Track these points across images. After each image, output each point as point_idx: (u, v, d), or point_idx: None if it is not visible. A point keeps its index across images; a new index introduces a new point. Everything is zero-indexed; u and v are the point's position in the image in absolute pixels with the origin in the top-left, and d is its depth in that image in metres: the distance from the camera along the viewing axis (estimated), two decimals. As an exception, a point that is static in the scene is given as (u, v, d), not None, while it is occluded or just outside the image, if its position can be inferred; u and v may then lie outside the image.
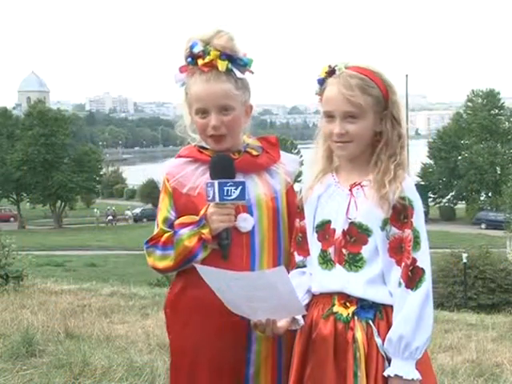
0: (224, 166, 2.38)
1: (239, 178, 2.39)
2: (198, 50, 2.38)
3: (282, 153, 2.58)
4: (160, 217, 2.45)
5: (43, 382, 4.51)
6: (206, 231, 2.34)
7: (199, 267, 2.22)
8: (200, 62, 2.38)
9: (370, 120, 2.27)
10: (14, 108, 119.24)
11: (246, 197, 2.36)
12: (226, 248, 2.36)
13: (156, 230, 2.44)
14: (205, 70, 2.38)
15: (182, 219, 2.39)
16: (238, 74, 2.42)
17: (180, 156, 2.51)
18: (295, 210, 2.47)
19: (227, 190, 2.32)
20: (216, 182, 2.31)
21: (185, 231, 2.36)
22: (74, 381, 4.52)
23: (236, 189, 2.32)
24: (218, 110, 2.39)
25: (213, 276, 2.22)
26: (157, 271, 2.47)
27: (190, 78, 2.42)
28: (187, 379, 2.44)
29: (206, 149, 2.47)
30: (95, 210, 65.12)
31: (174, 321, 2.49)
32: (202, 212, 2.36)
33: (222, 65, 2.38)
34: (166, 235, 2.39)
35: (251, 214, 2.42)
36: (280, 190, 2.48)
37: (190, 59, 2.40)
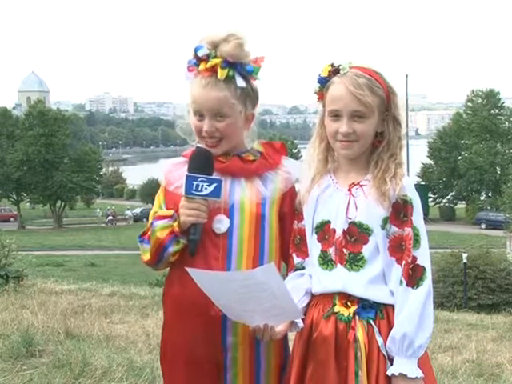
0: (200, 160, 2.37)
1: (226, 180, 2.38)
2: (202, 53, 2.38)
3: (286, 159, 2.52)
4: (152, 212, 2.50)
5: (43, 382, 4.51)
6: (175, 224, 2.35)
7: (190, 270, 2.21)
8: (202, 66, 2.38)
9: (376, 120, 2.28)
10: (13, 108, 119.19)
11: (222, 196, 2.34)
12: (193, 244, 2.34)
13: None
14: (205, 74, 2.39)
15: (162, 212, 2.43)
16: (240, 82, 2.40)
17: (182, 155, 2.54)
18: (290, 217, 2.45)
19: (197, 185, 2.31)
20: (185, 176, 2.32)
21: (159, 223, 2.38)
22: (73, 381, 4.52)
23: (209, 185, 2.31)
24: (211, 115, 2.39)
25: (204, 279, 2.22)
26: (145, 263, 2.50)
27: (193, 79, 2.43)
28: (168, 379, 2.49)
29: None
30: (98, 211, 65.11)
31: (164, 316, 2.55)
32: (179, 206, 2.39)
33: (222, 73, 2.37)
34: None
35: (231, 217, 2.40)
36: (270, 198, 2.44)
37: (194, 61, 2.41)
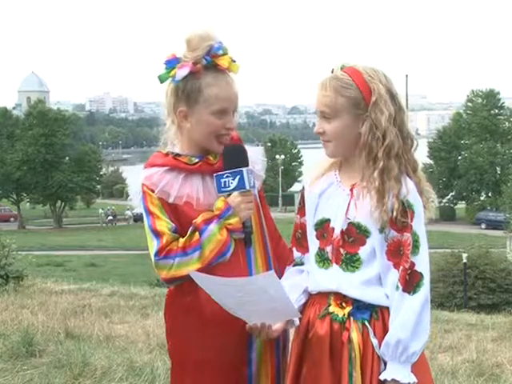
0: (235, 156, 2.40)
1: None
2: (221, 51, 2.39)
3: (247, 148, 2.55)
4: (161, 226, 2.34)
5: (43, 382, 4.51)
6: (234, 221, 2.34)
7: (192, 273, 2.21)
8: (224, 62, 2.39)
9: (346, 121, 2.25)
10: (14, 108, 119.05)
11: (247, 186, 2.36)
12: (250, 235, 2.40)
13: (159, 241, 2.33)
14: (226, 71, 2.41)
15: (204, 215, 2.35)
16: None
17: (155, 165, 2.42)
18: (264, 204, 2.57)
19: (225, 182, 2.35)
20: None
21: (213, 226, 2.33)
22: (73, 381, 4.53)
23: (234, 179, 2.34)
24: (233, 112, 2.44)
25: (205, 281, 2.23)
26: (174, 281, 2.36)
27: (204, 77, 2.39)
28: (192, 382, 2.43)
29: (179, 155, 2.44)
30: (100, 211, 65.06)
31: (175, 326, 2.47)
32: (219, 205, 2.35)
33: (237, 68, 2.43)
34: (183, 240, 2.33)
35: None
36: (257, 187, 2.50)
37: (208, 58, 2.38)
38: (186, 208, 2.36)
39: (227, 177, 2.34)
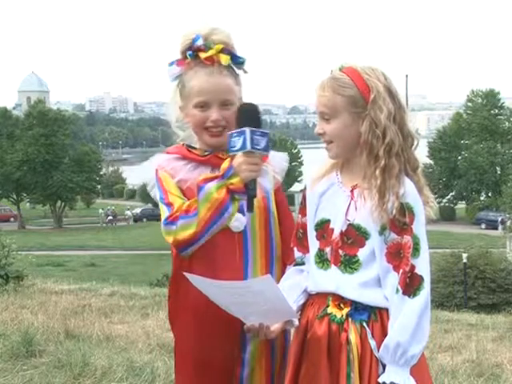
0: (253, 114, 2.29)
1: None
2: (200, 43, 2.37)
3: (272, 152, 2.51)
4: (172, 197, 2.33)
5: (43, 382, 4.51)
6: (235, 180, 2.24)
7: (189, 275, 2.20)
8: (202, 54, 2.38)
9: (345, 120, 2.23)
10: (14, 108, 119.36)
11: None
12: (252, 199, 2.28)
13: (170, 209, 2.30)
14: (207, 63, 2.38)
15: (206, 175, 2.32)
16: (237, 70, 2.44)
17: (169, 153, 2.47)
18: (281, 204, 2.51)
19: (256, 140, 2.22)
20: (248, 130, 2.22)
21: (212, 184, 2.26)
22: (73, 381, 4.52)
23: (263, 139, 2.24)
24: (219, 104, 2.38)
25: (201, 284, 2.22)
26: (178, 247, 2.31)
27: (187, 72, 2.41)
28: (189, 381, 2.43)
29: (194, 148, 2.45)
30: (100, 211, 65.06)
31: (175, 325, 2.49)
32: (224, 165, 2.28)
33: (226, 59, 2.38)
34: (187, 203, 2.29)
35: (243, 214, 2.37)
36: (270, 190, 2.46)
37: (190, 52, 2.39)
38: (188, 193, 2.34)
39: (235, 136, 2.25)
